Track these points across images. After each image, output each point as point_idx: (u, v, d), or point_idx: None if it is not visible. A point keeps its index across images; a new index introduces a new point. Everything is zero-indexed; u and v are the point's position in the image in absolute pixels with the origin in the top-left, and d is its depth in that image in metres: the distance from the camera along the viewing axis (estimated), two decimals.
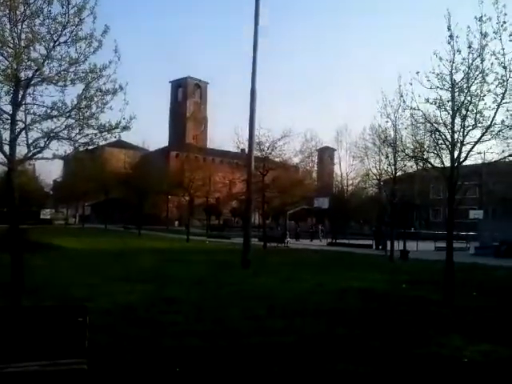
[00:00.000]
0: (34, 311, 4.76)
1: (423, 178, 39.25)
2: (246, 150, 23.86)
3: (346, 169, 66.22)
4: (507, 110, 11.09)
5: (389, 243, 25.84)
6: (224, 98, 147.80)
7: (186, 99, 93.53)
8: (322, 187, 64.62)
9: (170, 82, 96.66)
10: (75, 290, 10.67)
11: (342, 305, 10.19)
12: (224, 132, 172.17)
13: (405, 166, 21.99)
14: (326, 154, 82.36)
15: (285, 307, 9.69)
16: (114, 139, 10.31)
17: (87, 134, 8.83)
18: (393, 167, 22.88)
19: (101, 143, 9.55)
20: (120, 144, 65.46)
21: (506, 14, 10.29)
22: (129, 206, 54.28)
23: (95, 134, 8.91)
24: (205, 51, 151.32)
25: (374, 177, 28.96)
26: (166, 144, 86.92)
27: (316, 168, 78.24)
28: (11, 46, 7.97)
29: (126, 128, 8.82)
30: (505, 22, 10.33)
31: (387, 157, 22.52)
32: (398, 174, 23.78)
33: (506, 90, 10.57)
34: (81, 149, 9.56)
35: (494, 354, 6.77)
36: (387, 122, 18.32)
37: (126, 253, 22.28)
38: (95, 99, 8.57)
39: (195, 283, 12.87)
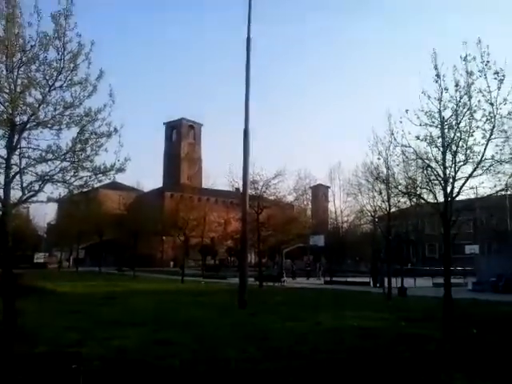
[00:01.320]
0: (26, 359, 4.65)
1: (417, 213, 39.47)
2: (241, 188, 23.94)
3: (341, 206, 66.62)
4: (496, 145, 11.33)
5: (386, 280, 25.62)
6: (218, 138, 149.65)
7: (181, 140, 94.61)
8: (317, 225, 64.59)
9: (165, 123, 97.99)
10: (68, 335, 10.44)
11: (341, 345, 10.00)
12: (219, 171, 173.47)
13: (398, 202, 22.10)
14: (319, 192, 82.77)
15: (282, 348, 9.50)
16: (108, 181, 10.37)
17: (82, 177, 8.86)
18: (387, 203, 22.97)
19: (95, 185, 9.57)
20: (114, 185, 65.61)
21: (489, 54, 10.70)
22: (123, 248, 53.83)
23: (90, 177, 8.93)
24: (199, 92, 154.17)
25: (369, 213, 29.05)
26: (161, 185, 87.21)
27: (310, 206, 78.48)
28: (7, 91, 8.09)
29: (120, 170, 8.87)
30: (488, 62, 10.73)
31: (381, 193, 22.68)
32: (392, 210, 23.86)
33: (494, 126, 10.84)
34: (75, 191, 9.56)
35: None
36: (379, 159, 18.56)
37: (120, 296, 21.90)
38: (90, 142, 8.65)
39: (191, 325, 12.62)
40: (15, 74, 8.22)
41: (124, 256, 54.84)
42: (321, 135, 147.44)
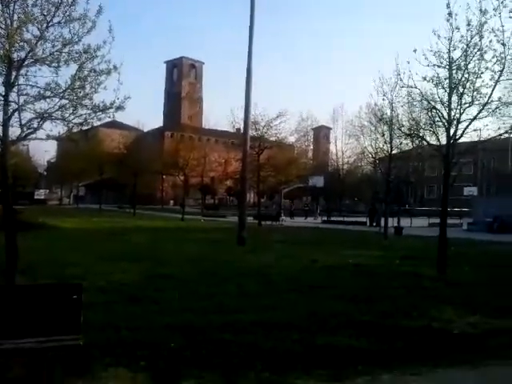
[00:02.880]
0: (29, 290, 4.78)
1: (418, 156, 39.42)
2: (242, 129, 23.76)
3: (342, 147, 66.39)
4: (505, 87, 11.08)
5: (383, 220, 26.00)
6: (220, 79, 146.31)
7: (182, 79, 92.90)
8: (317, 166, 64.65)
9: (165, 62, 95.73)
10: (69, 269, 10.68)
11: (336, 281, 10.30)
12: (220, 112, 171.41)
13: (401, 143, 22.02)
14: (321, 133, 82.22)
15: (280, 283, 9.79)
16: (108, 119, 10.23)
17: (81, 115, 8.76)
18: (389, 145, 22.88)
19: (95, 123, 9.46)
20: (114, 124, 64.92)
21: None
22: (124, 186, 54.22)
23: (89, 115, 8.82)
24: (201, 31, 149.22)
25: (370, 155, 29.04)
26: (162, 124, 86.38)
27: (312, 147, 78.15)
28: (3, 26, 7.82)
29: (120, 108, 8.74)
30: None
31: (383, 135, 22.56)
32: (394, 151, 23.78)
33: (504, 67, 10.53)
34: (75, 129, 9.49)
35: (484, 326, 6.92)
36: (384, 99, 18.35)
37: (120, 232, 22.30)
38: (89, 79, 8.46)
39: (191, 261, 12.92)
40: (11, 8, 7.92)
41: (124, 194, 55.32)
42: (325, 76, 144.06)
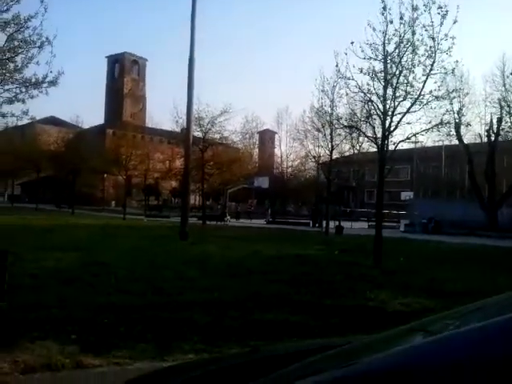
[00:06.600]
0: None
1: (359, 161, 40.68)
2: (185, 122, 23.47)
3: (287, 151, 67.28)
4: (435, 82, 11.65)
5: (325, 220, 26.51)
6: (166, 80, 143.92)
7: (124, 75, 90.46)
8: (262, 168, 65.07)
9: (107, 57, 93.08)
10: None
11: (278, 267, 10.38)
12: (164, 112, 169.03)
13: (344, 138, 22.48)
14: (266, 137, 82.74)
15: (220, 269, 9.72)
16: (42, 95, 9.76)
17: (10, 89, 8.35)
18: (329, 143, 23.33)
19: (26, 99, 9.01)
20: (53, 121, 62.74)
21: None
22: (63, 185, 52.10)
23: (20, 90, 8.43)
24: (144, 28, 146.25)
25: (313, 159, 29.63)
26: (103, 121, 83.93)
27: (257, 150, 78.64)
28: None
29: (53, 83, 8.44)
30: None
31: (323, 127, 22.86)
32: (336, 156, 24.31)
33: (434, 61, 11.04)
34: (5, 106, 9.03)
35: (414, 305, 7.17)
36: (323, 91, 18.92)
37: (57, 228, 21.35)
38: (20, 50, 8.10)
39: (130, 251, 12.59)
40: None
41: (63, 193, 53.22)
42: (269, 79, 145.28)
